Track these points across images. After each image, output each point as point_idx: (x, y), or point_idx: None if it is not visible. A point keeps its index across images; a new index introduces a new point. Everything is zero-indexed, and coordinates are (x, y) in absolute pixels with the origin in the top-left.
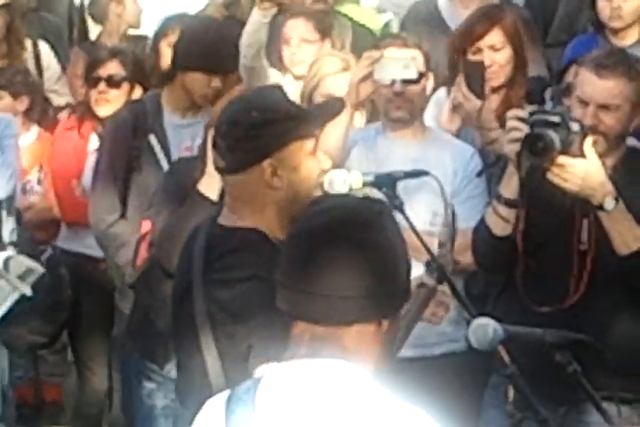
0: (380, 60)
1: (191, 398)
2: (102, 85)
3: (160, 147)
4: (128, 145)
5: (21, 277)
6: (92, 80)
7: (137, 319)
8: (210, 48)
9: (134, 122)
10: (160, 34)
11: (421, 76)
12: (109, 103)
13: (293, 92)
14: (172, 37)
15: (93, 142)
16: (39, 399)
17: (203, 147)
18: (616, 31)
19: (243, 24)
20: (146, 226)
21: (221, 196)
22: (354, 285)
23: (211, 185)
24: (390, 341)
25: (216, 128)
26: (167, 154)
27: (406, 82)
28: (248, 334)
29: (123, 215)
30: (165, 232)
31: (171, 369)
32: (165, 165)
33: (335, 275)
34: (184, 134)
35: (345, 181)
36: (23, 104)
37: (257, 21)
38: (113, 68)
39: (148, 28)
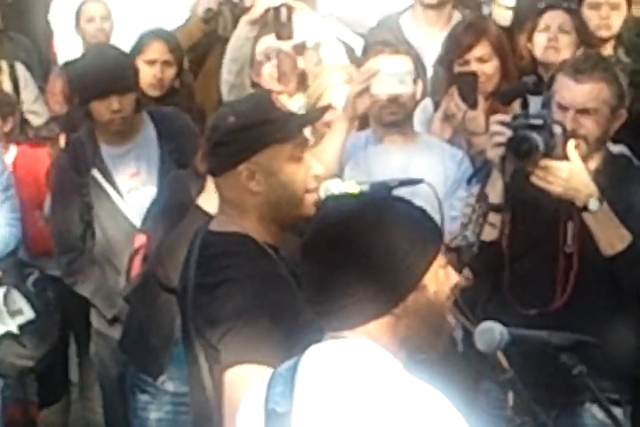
0: (377, 74)
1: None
2: None
3: (105, 180)
4: (75, 186)
5: (11, 315)
6: None
7: (131, 332)
8: (93, 76)
9: (74, 162)
10: (135, 50)
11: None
12: None
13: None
14: (149, 54)
15: None
16: (28, 420)
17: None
18: (603, 41)
19: (222, 39)
20: (140, 239)
21: None
22: (356, 290)
23: (210, 200)
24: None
25: (204, 133)
26: (114, 185)
27: None
28: (219, 339)
29: (82, 252)
30: (164, 248)
31: (164, 381)
32: (115, 197)
33: (336, 286)
34: (126, 161)
35: (340, 191)
36: (8, 125)
37: (242, 36)
38: None
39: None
